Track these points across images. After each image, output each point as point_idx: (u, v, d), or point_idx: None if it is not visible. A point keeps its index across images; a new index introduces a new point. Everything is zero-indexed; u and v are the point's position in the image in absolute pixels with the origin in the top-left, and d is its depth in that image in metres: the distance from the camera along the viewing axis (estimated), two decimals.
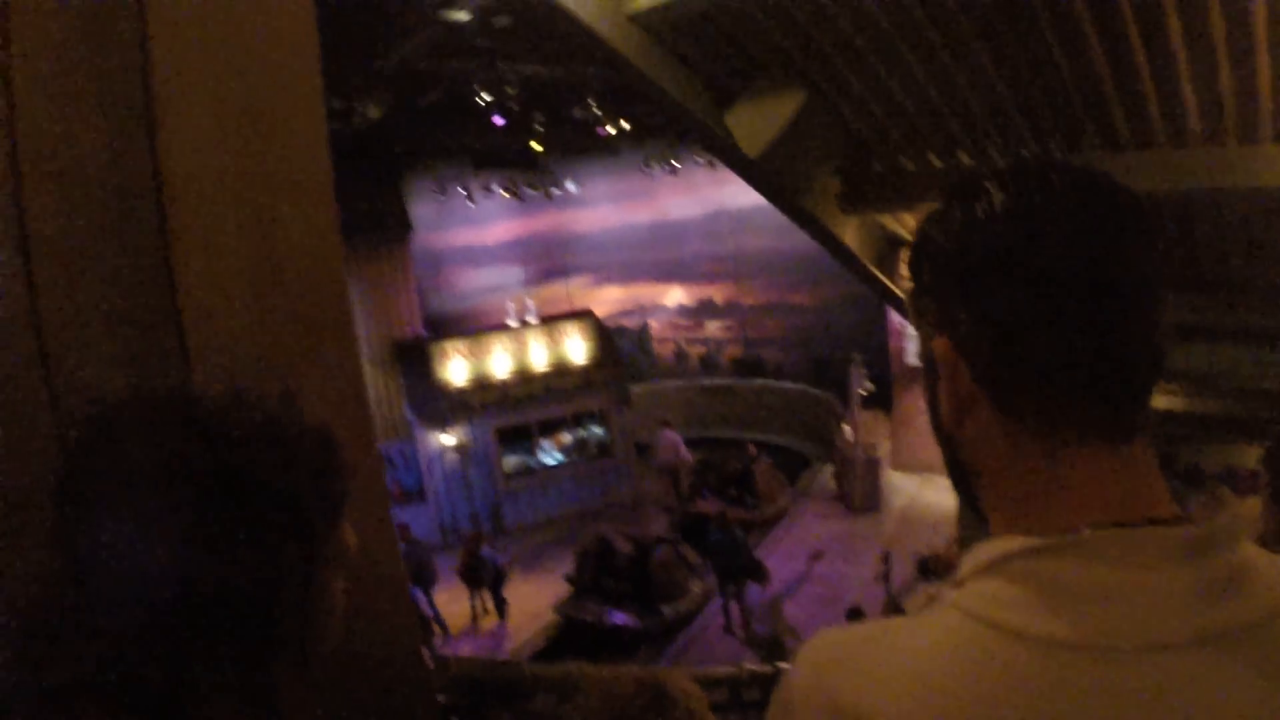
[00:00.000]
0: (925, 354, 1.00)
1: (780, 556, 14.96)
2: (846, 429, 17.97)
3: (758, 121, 8.39)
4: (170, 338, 1.50)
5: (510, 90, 15.37)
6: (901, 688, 0.86)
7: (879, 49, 7.49)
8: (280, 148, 1.59)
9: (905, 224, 11.58)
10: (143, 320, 1.47)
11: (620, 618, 13.85)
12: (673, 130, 18.32)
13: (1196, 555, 0.83)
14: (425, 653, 1.99)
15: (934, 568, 10.01)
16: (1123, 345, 0.88)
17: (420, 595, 13.46)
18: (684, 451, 19.34)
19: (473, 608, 14.85)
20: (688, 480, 18.85)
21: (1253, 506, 2.69)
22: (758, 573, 12.73)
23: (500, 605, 14.76)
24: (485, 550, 14.46)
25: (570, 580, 14.76)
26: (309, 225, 1.63)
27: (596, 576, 14.40)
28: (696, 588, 14.47)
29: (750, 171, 9.09)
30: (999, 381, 0.92)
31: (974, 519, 1.00)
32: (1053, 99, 7.37)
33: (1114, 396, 0.90)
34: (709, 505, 16.10)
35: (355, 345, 1.71)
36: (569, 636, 14.03)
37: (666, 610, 13.90)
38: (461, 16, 11.50)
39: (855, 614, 11.42)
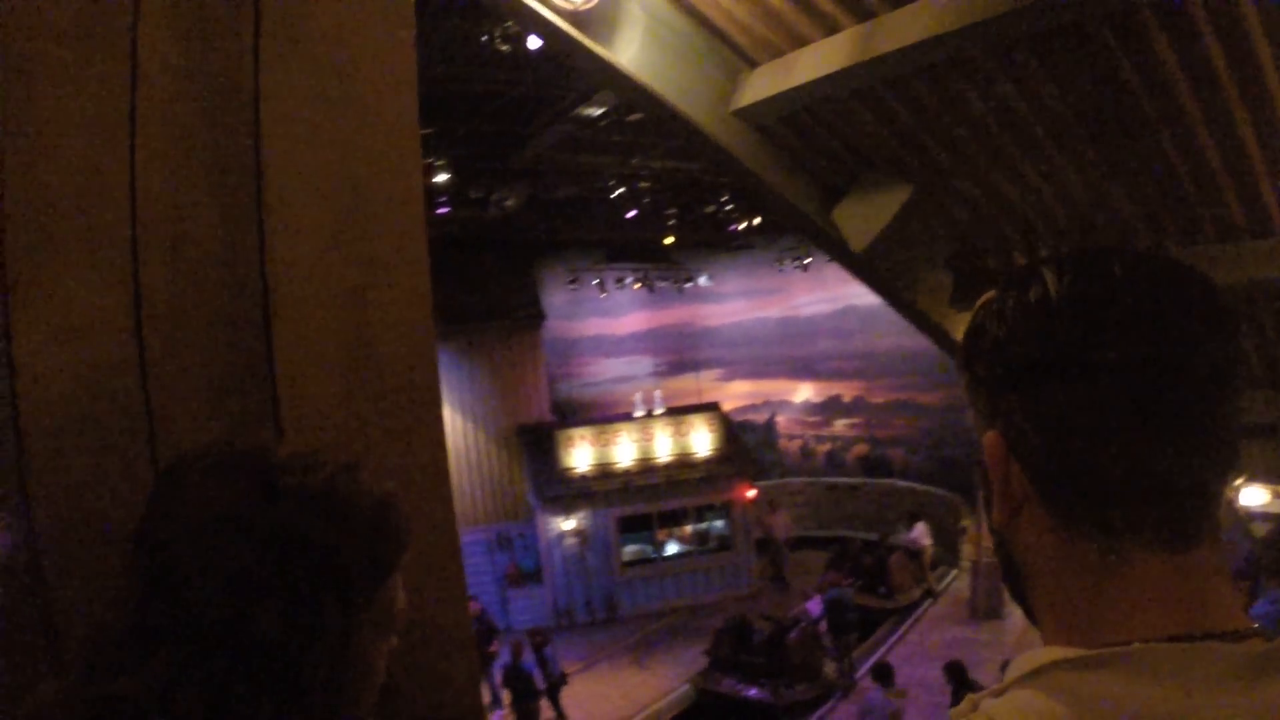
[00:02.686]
0: (979, 449, 0.94)
1: (899, 658, 14.53)
2: (972, 531, 17.54)
3: (863, 216, 8.37)
4: (266, 405, 1.59)
5: (643, 184, 15.71)
6: None
7: (985, 145, 7.44)
8: (378, 230, 1.70)
9: None
10: (241, 387, 1.57)
11: (755, 693, 14.31)
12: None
13: (1262, 676, 0.74)
14: None
15: None
16: (1189, 447, 0.80)
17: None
18: (790, 531, 19.92)
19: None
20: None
21: None
22: (883, 674, 12.40)
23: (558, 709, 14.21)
24: (547, 651, 14.12)
25: (707, 654, 15.28)
26: (402, 304, 1.72)
27: (734, 652, 14.94)
28: (829, 670, 14.83)
29: (858, 266, 9.09)
30: (1051, 482, 0.85)
31: None
32: (1165, 191, 7.19)
33: (1178, 502, 0.82)
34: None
35: (440, 420, 1.78)
36: (704, 709, 14.63)
37: (799, 689, 14.25)
38: (595, 112, 11.88)
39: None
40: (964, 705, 0.86)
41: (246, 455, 1.12)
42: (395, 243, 1.72)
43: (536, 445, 19.75)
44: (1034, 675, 0.81)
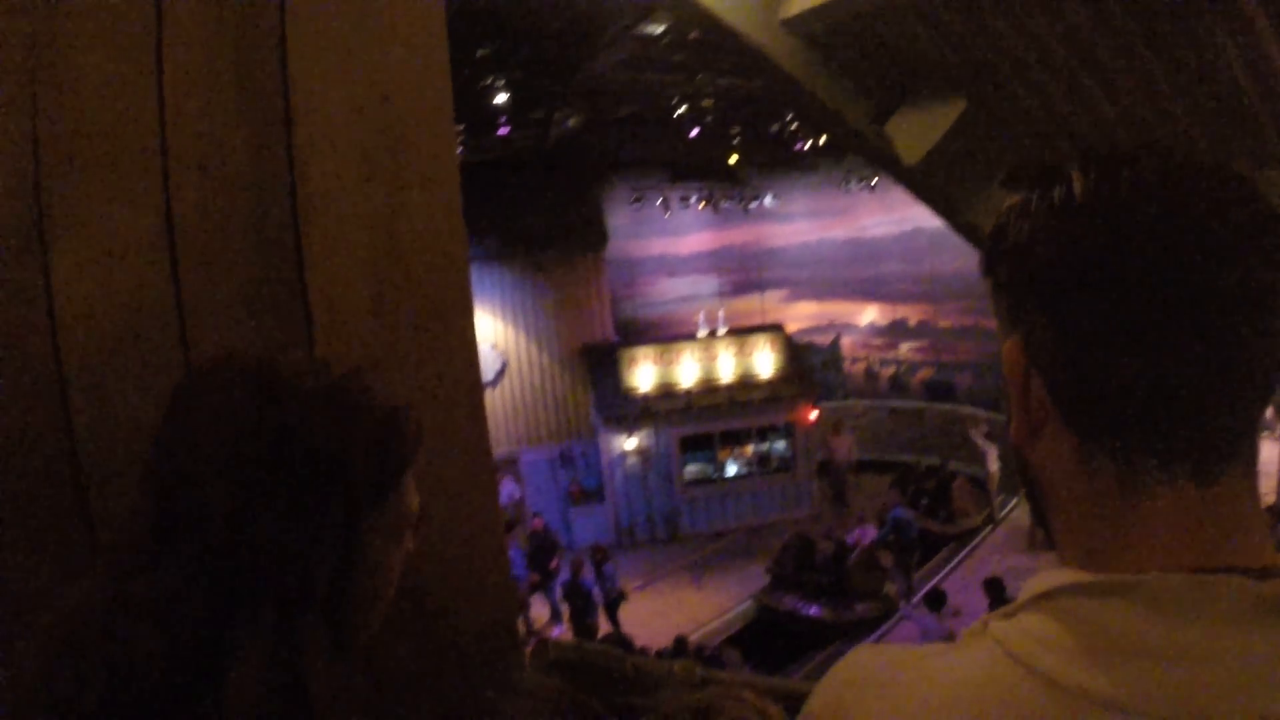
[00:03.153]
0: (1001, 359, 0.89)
1: (955, 584, 14.54)
2: None
3: (916, 130, 8.12)
4: (298, 319, 1.62)
5: (706, 103, 15.49)
6: None
7: (1043, 58, 7.14)
8: (408, 146, 1.70)
9: None
10: (274, 303, 1.60)
11: (815, 611, 14.55)
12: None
13: None
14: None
15: None
16: (1224, 367, 0.73)
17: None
18: (853, 454, 19.94)
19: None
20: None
21: None
22: (936, 600, 12.44)
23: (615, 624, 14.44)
24: (607, 568, 14.34)
25: (770, 572, 15.49)
26: (433, 219, 1.72)
27: (796, 570, 15.13)
28: (889, 590, 14.95)
29: (913, 182, 8.88)
30: (1074, 398, 0.79)
31: None
32: (1231, 111, 6.87)
33: (1206, 429, 0.75)
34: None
35: (472, 334, 1.80)
36: (765, 625, 14.87)
37: (860, 608, 14.43)
38: (656, 30, 11.69)
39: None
40: (976, 625, 0.85)
41: (255, 363, 1.13)
42: (425, 158, 1.72)
43: (600, 365, 19.87)
44: (1045, 598, 0.78)
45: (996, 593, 11.24)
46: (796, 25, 7.33)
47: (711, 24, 6.72)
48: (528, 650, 1.87)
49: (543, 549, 15.16)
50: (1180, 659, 0.69)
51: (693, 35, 11.76)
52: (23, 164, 1.46)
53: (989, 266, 0.88)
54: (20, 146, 1.47)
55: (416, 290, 1.71)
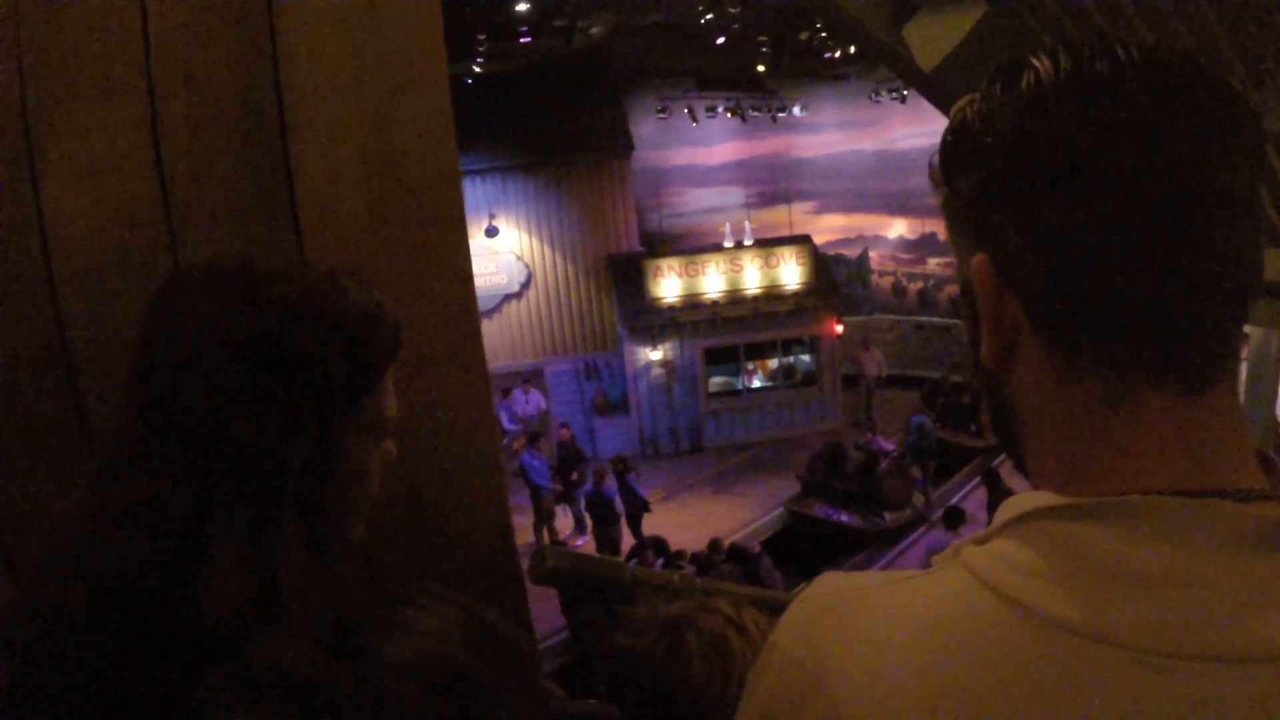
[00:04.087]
0: (961, 276, 0.84)
1: (976, 501, 14.62)
2: None
3: (934, 34, 7.78)
4: (287, 226, 1.63)
5: (732, 10, 15.18)
6: (880, 652, 0.75)
7: None
8: (397, 50, 1.68)
9: None
10: (263, 210, 1.61)
11: (846, 518, 14.75)
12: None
13: (1274, 549, 0.66)
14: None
15: None
16: (1206, 270, 0.69)
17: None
18: (882, 369, 20.10)
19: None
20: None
21: None
22: (954, 517, 12.48)
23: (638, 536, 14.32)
24: (630, 478, 14.32)
25: (800, 479, 15.73)
26: (424, 123, 1.71)
27: (826, 478, 15.30)
28: (917, 500, 15.25)
29: (931, 90, 8.61)
30: (1050, 310, 0.74)
31: None
32: (1261, 20, 6.55)
33: (1189, 338, 0.71)
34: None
35: (465, 241, 1.80)
36: (795, 532, 15.09)
37: (889, 516, 14.62)
38: None
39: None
40: (947, 551, 0.80)
41: (232, 268, 1.15)
42: (415, 63, 1.71)
43: (624, 276, 19.78)
44: (1019, 522, 0.74)
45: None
46: None
47: None
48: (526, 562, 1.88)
49: (568, 459, 15.29)
50: (1167, 586, 0.65)
51: None
52: (9, 81, 1.48)
53: (946, 174, 0.80)
54: (6, 65, 1.48)
55: (409, 198, 1.71)
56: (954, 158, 0.79)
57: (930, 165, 0.84)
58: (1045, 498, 0.74)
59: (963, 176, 0.78)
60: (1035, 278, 0.73)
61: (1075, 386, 0.74)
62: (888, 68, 10.03)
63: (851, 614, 0.80)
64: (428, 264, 1.72)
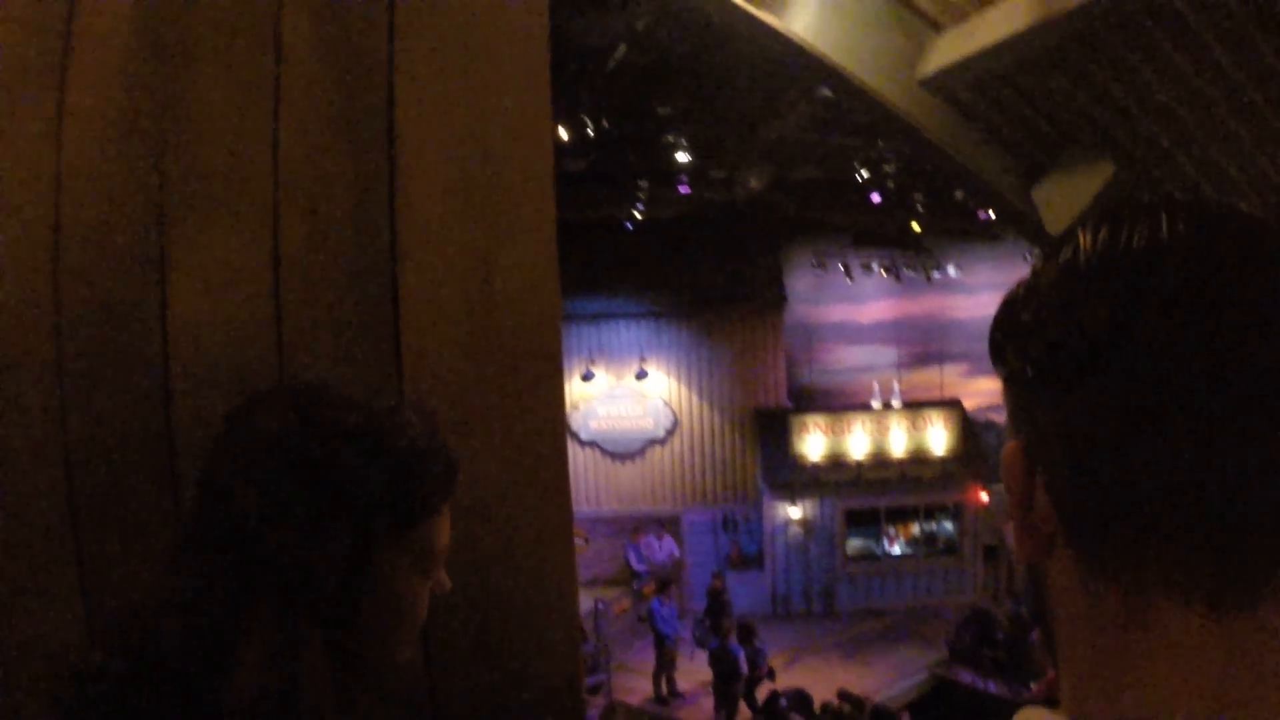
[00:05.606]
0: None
1: None
2: None
3: (1063, 196, 7.52)
4: (389, 354, 1.70)
5: (888, 168, 15.33)
6: None
7: (1195, 112, 6.55)
8: (507, 195, 1.76)
9: None
10: (367, 335, 1.68)
11: (993, 687, 14.21)
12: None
13: None
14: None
15: None
16: (1256, 475, 0.59)
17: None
18: None
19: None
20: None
21: None
22: None
23: (752, 706, 13.74)
24: (757, 642, 13.99)
25: (948, 644, 15.36)
26: (528, 269, 1.77)
27: (975, 645, 14.86)
28: None
29: None
30: (1073, 508, 0.66)
31: None
32: None
33: (1232, 546, 0.61)
34: None
35: (560, 385, 1.83)
36: (939, 698, 14.76)
37: (1034, 687, 13.81)
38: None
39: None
40: None
41: (302, 390, 1.26)
42: (524, 208, 1.77)
43: (770, 430, 19.68)
44: None
45: None
46: (935, 84, 6.83)
47: (847, 86, 6.50)
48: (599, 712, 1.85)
49: (715, 610, 15.11)
50: None
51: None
52: (151, 193, 1.62)
53: (995, 352, 0.75)
54: (149, 178, 1.61)
55: (507, 340, 1.76)
56: (998, 334, 0.75)
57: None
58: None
59: (1005, 354, 0.73)
60: (1058, 467, 0.67)
61: (1098, 592, 0.66)
62: (1016, 231, 9.82)
63: None
64: (521, 405, 1.76)
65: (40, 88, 1.60)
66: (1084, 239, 0.67)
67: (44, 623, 1.52)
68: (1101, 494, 0.64)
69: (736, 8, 5.12)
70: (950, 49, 6.46)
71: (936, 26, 6.60)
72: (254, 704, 1.02)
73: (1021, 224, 8.53)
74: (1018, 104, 7.23)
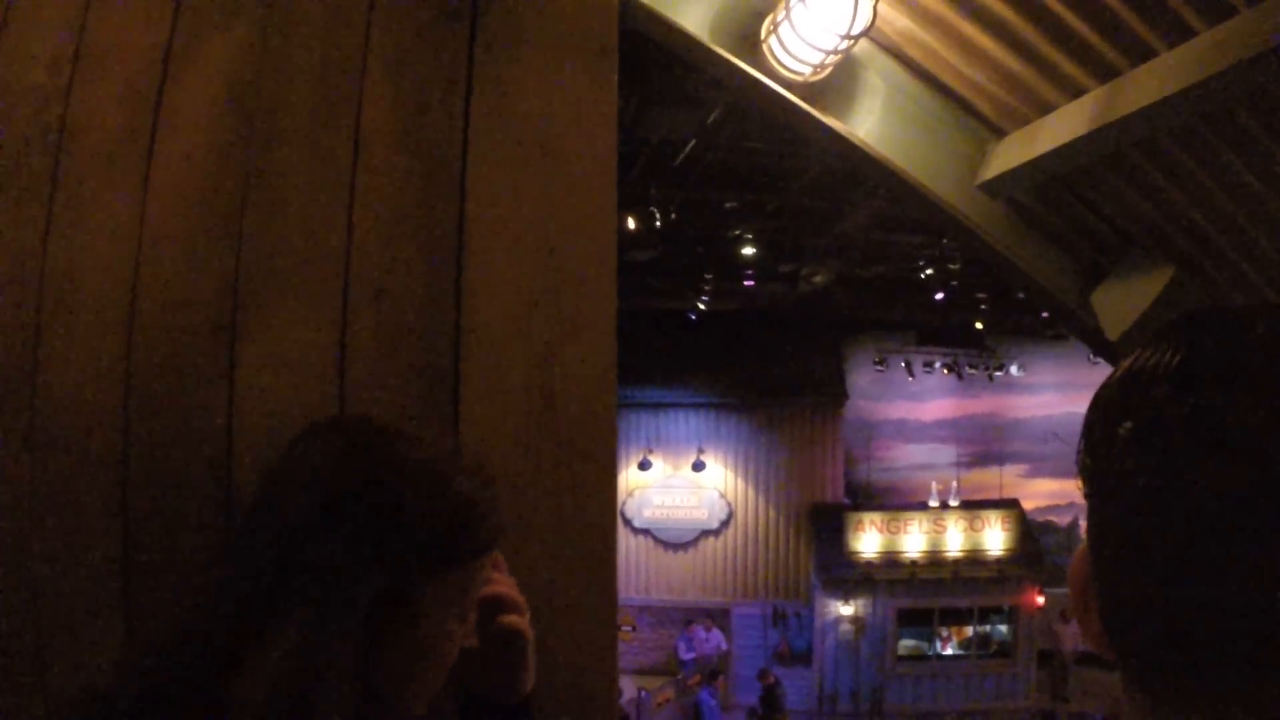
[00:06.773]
0: None
1: None
2: None
3: (1122, 300, 7.41)
4: (449, 437, 1.72)
5: (953, 266, 15.31)
6: None
7: (1254, 215, 6.49)
8: (572, 291, 1.79)
9: None
10: (428, 420, 1.71)
11: None
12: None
13: None
14: None
15: None
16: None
17: None
18: (1079, 645, 18.35)
19: None
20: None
21: None
22: None
23: None
24: None
25: None
26: (588, 363, 1.80)
27: None
28: None
29: (1115, 359, 8.24)
30: (1117, 623, 0.65)
31: None
32: None
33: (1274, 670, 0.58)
34: None
35: (614, 481, 1.84)
36: None
37: None
38: None
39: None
40: None
41: (355, 425, 1.33)
42: (587, 306, 1.80)
43: (825, 526, 19.46)
44: None
45: None
46: (995, 189, 6.90)
47: (908, 189, 6.51)
48: None
49: (768, 702, 14.92)
50: None
51: None
52: (227, 265, 1.68)
53: (1079, 461, 0.72)
54: (227, 250, 1.69)
55: (562, 435, 1.78)
56: (1082, 442, 0.72)
57: None
58: None
59: (1087, 457, 0.71)
60: (1107, 580, 0.66)
61: (1142, 706, 0.64)
62: (1074, 335, 9.66)
63: None
64: (573, 499, 1.77)
65: (130, 156, 1.68)
66: (1168, 352, 0.65)
67: (87, 670, 1.55)
68: (1142, 609, 0.62)
69: (801, 110, 5.18)
70: (1011, 154, 6.48)
71: (998, 132, 6.63)
72: (264, 703, 1.03)
73: (1080, 326, 8.42)
74: (1077, 207, 7.18)
